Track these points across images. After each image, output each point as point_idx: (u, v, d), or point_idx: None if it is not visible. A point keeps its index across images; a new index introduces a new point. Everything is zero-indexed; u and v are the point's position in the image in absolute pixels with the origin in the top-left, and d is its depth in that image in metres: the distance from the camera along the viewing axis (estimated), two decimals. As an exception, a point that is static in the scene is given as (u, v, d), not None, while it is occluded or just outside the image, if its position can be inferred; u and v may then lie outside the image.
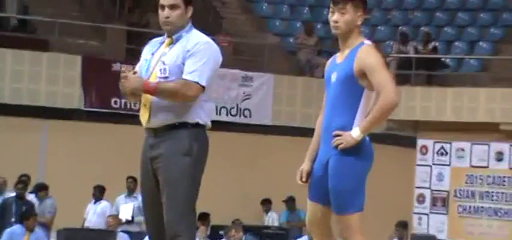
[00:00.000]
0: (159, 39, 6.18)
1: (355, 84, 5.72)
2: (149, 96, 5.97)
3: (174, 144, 5.94)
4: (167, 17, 6.00)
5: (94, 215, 16.36)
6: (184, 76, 5.91)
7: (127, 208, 16.24)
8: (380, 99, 5.66)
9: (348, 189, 5.72)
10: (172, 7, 5.99)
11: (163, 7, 6.01)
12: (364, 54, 5.72)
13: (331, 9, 5.84)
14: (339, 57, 5.87)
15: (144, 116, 6.04)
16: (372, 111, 5.70)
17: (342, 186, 5.72)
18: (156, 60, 6.04)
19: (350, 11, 5.79)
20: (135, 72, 5.99)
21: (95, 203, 16.46)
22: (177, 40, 6.03)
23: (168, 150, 5.94)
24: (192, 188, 5.96)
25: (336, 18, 5.80)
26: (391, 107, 5.65)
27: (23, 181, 15.75)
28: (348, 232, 5.74)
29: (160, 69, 5.99)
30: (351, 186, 5.72)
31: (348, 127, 5.71)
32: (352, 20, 5.79)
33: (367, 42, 5.81)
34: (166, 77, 5.96)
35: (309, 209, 5.96)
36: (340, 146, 5.70)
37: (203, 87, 5.91)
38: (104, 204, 16.40)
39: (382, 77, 5.67)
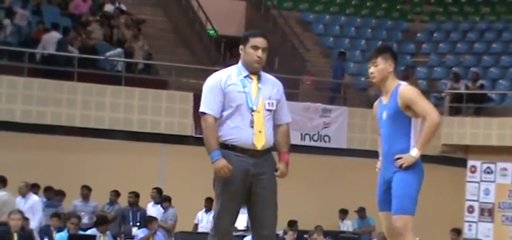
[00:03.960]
0: (230, 72, 6.00)
1: (403, 116, 5.87)
2: (262, 123, 5.86)
3: (272, 164, 5.93)
4: (260, 57, 5.87)
5: (207, 223, 16.20)
6: (287, 120, 5.98)
7: (243, 218, 16.07)
8: (426, 122, 5.81)
9: (406, 196, 5.83)
10: (264, 50, 5.90)
11: (257, 48, 5.87)
12: (404, 91, 5.88)
13: (369, 65, 6.00)
14: (384, 99, 5.99)
15: (260, 141, 5.85)
16: (422, 133, 5.83)
17: (402, 193, 5.83)
18: (256, 93, 5.91)
19: (381, 62, 5.95)
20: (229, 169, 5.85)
21: (206, 212, 16.43)
22: (260, 77, 5.94)
23: (269, 169, 5.91)
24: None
25: (372, 70, 5.99)
26: (435, 126, 5.81)
27: (134, 192, 15.77)
28: (402, 230, 5.83)
29: (268, 103, 5.89)
30: (409, 194, 5.84)
31: (406, 150, 5.85)
32: (383, 68, 5.95)
33: (403, 83, 5.97)
34: (273, 110, 5.90)
35: (383, 219, 6.05)
36: (403, 165, 5.83)
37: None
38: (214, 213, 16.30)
39: (424, 105, 5.85)
